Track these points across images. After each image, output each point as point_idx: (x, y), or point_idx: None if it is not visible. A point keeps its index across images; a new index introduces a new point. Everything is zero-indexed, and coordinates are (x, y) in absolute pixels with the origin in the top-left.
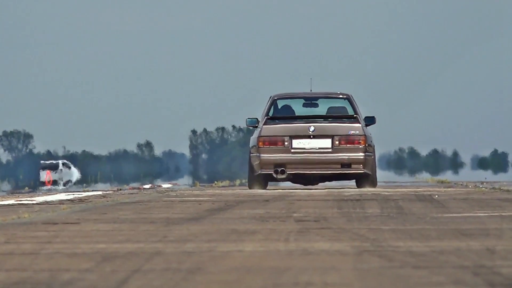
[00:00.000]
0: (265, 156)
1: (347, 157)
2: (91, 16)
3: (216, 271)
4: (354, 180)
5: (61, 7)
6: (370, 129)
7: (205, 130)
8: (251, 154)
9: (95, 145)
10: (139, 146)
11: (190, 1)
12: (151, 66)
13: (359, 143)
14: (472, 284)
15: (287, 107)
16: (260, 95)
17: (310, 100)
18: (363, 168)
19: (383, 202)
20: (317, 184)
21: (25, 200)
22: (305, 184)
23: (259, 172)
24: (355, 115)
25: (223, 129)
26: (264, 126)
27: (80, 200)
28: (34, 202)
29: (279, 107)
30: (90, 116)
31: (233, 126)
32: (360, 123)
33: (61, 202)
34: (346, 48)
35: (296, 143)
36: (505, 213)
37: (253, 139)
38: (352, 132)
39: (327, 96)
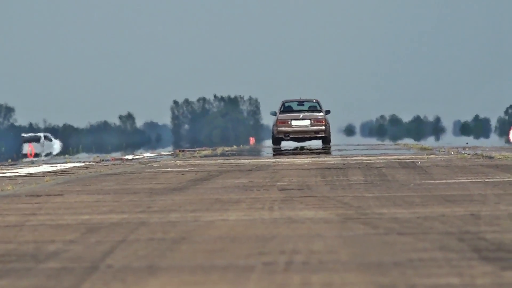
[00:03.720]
0: (280, 128)
1: (316, 128)
2: None
3: (201, 241)
4: (320, 140)
5: None
6: (329, 116)
7: (186, 100)
8: (273, 128)
9: (76, 117)
10: (120, 118)
11: None
12: (133, 37)
13: (322, 122)
14: (458, 249)
15: (289, 106)
16: (240, 67)
17: (300, 103)
18: (324, 134)
19: (366, 169)
20: (303, 142)
21: (8, 172)
22: (298, 141)
23: (277, 136)
24: (320, 109)
25: (204, 99)
26: (280, 115)
27: (63, 171)
28: (17, 174)
29: (286, 106)
30: (71, 89)
31: (215, 96)
32: (323, 113)
33: (44, 174)
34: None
35: (294, 122)
36: (488, 179)
37: (274, 120)
38: (319, 117)
39: (308, 101)
